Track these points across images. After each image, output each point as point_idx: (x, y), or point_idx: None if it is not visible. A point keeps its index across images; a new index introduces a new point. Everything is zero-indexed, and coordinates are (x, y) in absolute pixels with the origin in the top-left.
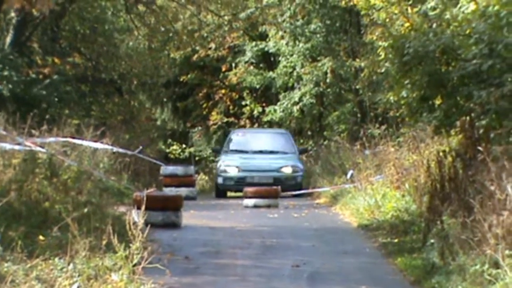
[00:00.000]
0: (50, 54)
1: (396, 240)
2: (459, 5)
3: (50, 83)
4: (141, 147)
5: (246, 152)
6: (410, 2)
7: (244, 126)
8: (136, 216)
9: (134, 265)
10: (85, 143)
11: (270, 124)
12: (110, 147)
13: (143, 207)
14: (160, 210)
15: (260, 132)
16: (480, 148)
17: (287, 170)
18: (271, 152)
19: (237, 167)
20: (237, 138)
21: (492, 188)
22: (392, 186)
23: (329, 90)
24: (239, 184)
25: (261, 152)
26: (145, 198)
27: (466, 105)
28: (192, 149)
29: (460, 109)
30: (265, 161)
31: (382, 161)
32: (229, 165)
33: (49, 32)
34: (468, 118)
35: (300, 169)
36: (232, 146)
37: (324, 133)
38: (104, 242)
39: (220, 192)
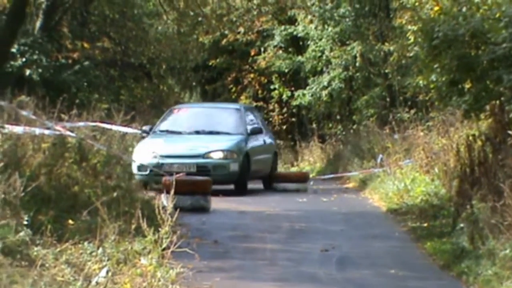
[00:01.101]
0: (79, 38)
1: (425, 225)
2: None
3: (79, 68)
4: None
5: (178, 133)
6: None
7: (273, 111)
8: (165, 200)
9: (163, 249)
10: (114, 127)
11: (299, 109)
12: (139, 131)
13: (172, 191)
14: (189, 194)
15: (204, 108)
16: (510, 132)
17: (216, 156)
18: (210, 133)
19: (153, 152)
20: (174, 116)
21: None
22: (421, 170)
23: (358, 74)
24: (155, 173)
25: (197, 132)
26: (174, 182)
27: (496, 89)
28: None
29: (490, 93)
30: (191, 144)
31: (411, 145)
32: (143, 150)
33: (78, 16)
34: (497, 102)
35: (238, 154)
36: (163, 126)
37: (353, 117)
38: (133, 226)
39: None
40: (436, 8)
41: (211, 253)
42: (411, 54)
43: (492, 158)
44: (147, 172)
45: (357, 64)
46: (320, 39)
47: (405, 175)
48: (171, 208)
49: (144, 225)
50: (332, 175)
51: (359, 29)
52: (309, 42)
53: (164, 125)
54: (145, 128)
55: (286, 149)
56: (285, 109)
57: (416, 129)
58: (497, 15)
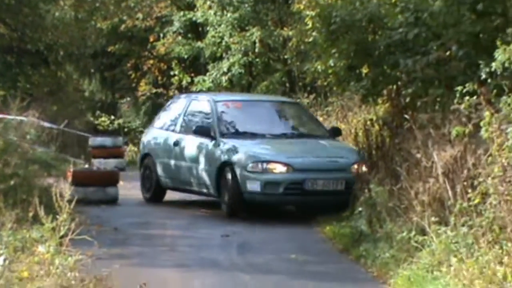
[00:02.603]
0: None
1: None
2: None
3: None
4: (66, 121)
5: (261, 136)
6: None
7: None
8: (69, 189)
9: (62, 237)
10: (10, 116)
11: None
12: (36, 120)
13: (69, 179)
14: (97, 186)
15: (259, 101)
16: (406, 116)
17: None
18: (301, 136)
19: (283, 164)
20: (227, 112)
21: (419, 155)
22: None
23: (257, 60)
24: (292, 192)
25: (285, 136)
26: (73, 172)
27: (393, 73)
28: (120, 121)
29: (387, 78)
30: (324, 153)
31: None
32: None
33: None
34: (394, 86)
35: None
36: (225, 126)
37: None
38: (31, 214)
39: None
40: None
41: (111, 240)
42: (309, 40)
43: (389, 142)
44: (280, 191)
45: (257, 49)
46: (220, 25)
47: None
48: (69, 195)
49: (42, 212)
50: None
51: (258, 15)
52: (208, 28)
53: (226, 125)
54: (200, 128)
55: None
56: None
57: (315, 114)
58: (393, 1)
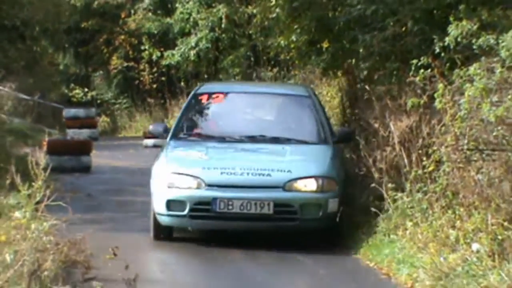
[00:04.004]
0: None
1: None
2: None
3: None
4: (40, 93)
5: (220, 139)
6: None
7: (143, 71)
8: (44, 158)
9: (37, 203)
10: None
11: (169, 68)
12: (13, 92)
13: (44, 148)
14: (71, 155)
15: (251, 93)
16: (367, 87)
17: (307, 187)
18: (276, 141)
19: (192, 177)
20: (203, 108)
21: (376, 125)
22: None
23: (224, 35)
24: (198, 215)
25: (253, 140)
26: (48, 142)
27: (351, 48)
28: (94, 93)
29: (346, 52)
30: (255, 165)
31: None
32: (169, 174)
33: None
34: (353, 60)
35: (337, 183)
36: (188, 126)
37: (219, 76)
38: (8, 182)
39: None
40: None
41: (85, 206)
42: (272, 16)
43: (349, 113)
44: (185, 212)
45: (223, 25)
46: (188, 2)
47: None
48: (45, 163)
49: (18, 180)
50: None
51: None
52: (177, 5)
53: (190, 125)
54: (155, 128)
55: (156, 107)
56: (155, 69)
57: None
58: None
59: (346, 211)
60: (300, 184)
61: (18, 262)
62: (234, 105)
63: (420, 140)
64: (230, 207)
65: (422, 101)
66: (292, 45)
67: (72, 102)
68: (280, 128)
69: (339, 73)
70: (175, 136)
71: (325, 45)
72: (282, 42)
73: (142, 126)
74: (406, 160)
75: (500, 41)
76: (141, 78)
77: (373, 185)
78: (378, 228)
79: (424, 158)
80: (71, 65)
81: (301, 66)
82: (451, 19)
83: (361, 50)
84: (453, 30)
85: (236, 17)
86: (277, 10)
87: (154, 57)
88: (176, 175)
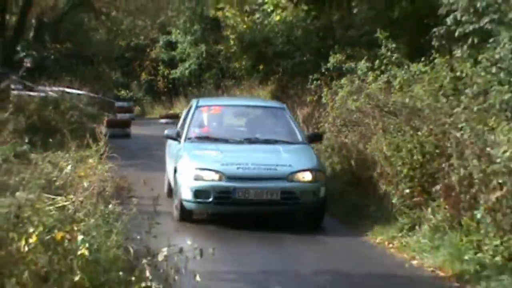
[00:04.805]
0: (55, 41)
1: None
2: (271, 16)
3: (55, 58)
4: (101, 93)
5: (223, 141)
6: (247, 14)
7: (159, 81)
8: (104, 130)
9: (101, 154)
10: (73, 90)
11: (173, 79)
12: (87, 93)
13: (104, 123)
14: (119, 127)
15: (240, 106)
16: (284, 91)
17: (305, 177)
18: (267, 142)
19: (215, 172)
20: (204, 116)
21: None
22: None
23: (204, 61)
24: (221, 202)
25: (249, 141)
26: (106, 120)
27: (276, 69)
28: (131, 93)
29: (273, 71)
30: (263, 161)
31: None
32: (192, 168)
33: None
34: (277, 75)
35: (324, 174)
36: (195, 131)
37: (202, 84)
38: (85, 142)
39: None
40: (245, 26)
41: (127, 157)
42: (232, 50)
43: None
44: (210, 200)
45: (204, 56)
46: (184, 43)
47: None
48: (106, 132)
49: (90, 142)
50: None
51: (204, 37)
52: (178, 45)
53: (198, 130)
54: (169, 132)
55: (166, 101)
56: (166, 80)
57: (234, 91)
58: (276, 30)
59: None
60: (299, 176)
61: (91, 188)
62: (229, 115)
63: (314, 120)
64: (247, 195)
65: (315, 98)
66: (243, 67)
67: (120, 98)
68: (268, 132)
69: (269, 83)
70: (188, 139)
71: (261, 67)
72: (237, 65)
73: (158, 112)
74: (306, 130)
75: (357, 66)
76: (158, 85)
77: None
78: None
79: (316, 130)
80: (119, 78)
81: (248, 79)
82: (331, 53)
83: (280, 70)
84: (332, 59)
85: (211, 51)
86: (234, 47)
87: (165, 73)
88: (200, 170)
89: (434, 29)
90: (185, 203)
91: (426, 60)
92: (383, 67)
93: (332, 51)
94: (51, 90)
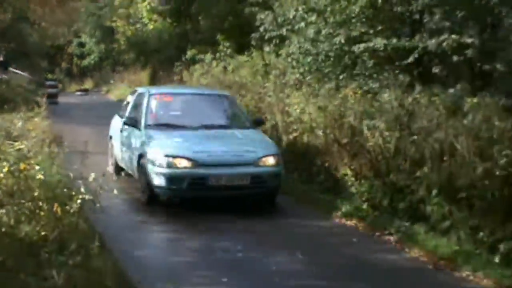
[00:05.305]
0: (4, 43)
1: None
2: (147, 25)
3: (5, 53)
4: (36, 76)
5: (181, 128)
6: (131, 24)
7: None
8: (45, 99)
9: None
10: (20, 72)
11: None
12: (27, 75)
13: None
14: (50, 98)
15: (191, 95)
16: (161, 72)
17: (270, 162)
18: (222, 127)
19: (188, 159)
20: (158, 104)
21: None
22: None
23: (102, 57)
24: (196, 187)
25: (206, 128)
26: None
27: (152, 59)
28: (55, 76)
29: (150, 61)
30: (231, 147)
31: None
32: (164, 154)
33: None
34: (153, 64)
35: (281, 157)
36: (152, 118)
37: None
38: (30, 107)
39: None
40: (130, 32)
41: (57, 116)
42: (122, 48)
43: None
44: (184, 186)
45: (103, 51)
46: (89, 43)
47: None
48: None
49: (36, 107)
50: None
51: (104, 39)
52: (86, 44)
53: (155, 117)
54: (127, 120)
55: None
56: (78, 67)
57: (125, 74)
58: (150, 35)
59: None
60: (265, 161)
61: (37, 136)
62: (182, 102)
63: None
64: (220, 181)
65: (178, 78)
66: (129, 58)
67: (47, 79)
68: (219, 118)
69: (147, 69)
70: (148, 126)
71: (141, 58)
72: (126, 57)
73: (74, 88)
74: None
75: (205, 57)
76: (73, 70)
77: None
78: None
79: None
80: (46, 66)
81: (133, 66)
82: (187, 49)
83: (155, 60)
84: (189, 53)
85: (108, 48)
86: (123, 46)
87: (78, 63)
88: (172, 158)
89: (252, 34)
90: (157, 190)
91: (248, 54)
92: (221, 58)
93: (188, 48)
94: (4, 73)
